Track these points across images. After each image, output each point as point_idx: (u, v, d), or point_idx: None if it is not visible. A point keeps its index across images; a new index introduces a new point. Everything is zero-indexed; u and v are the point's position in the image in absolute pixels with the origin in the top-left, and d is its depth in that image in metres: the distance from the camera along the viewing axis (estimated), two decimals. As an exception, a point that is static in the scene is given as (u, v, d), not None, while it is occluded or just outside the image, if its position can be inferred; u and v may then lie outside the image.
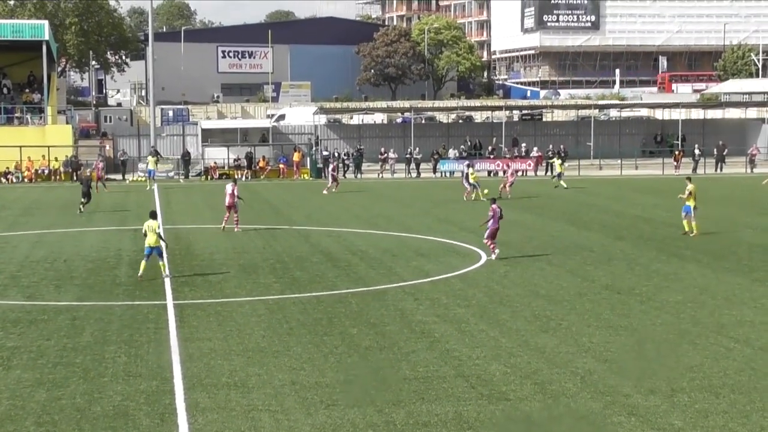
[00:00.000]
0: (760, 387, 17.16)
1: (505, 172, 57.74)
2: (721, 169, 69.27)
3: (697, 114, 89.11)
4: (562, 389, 17.19)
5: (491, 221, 31.08)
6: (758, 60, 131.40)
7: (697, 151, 69.31)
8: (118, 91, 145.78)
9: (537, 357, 19.27)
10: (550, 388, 17.18)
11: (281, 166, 67.99)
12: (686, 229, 35.95)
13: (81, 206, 44.59)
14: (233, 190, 38.31)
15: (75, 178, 62.49)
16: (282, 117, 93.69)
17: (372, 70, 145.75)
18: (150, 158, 63.10)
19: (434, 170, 69.05)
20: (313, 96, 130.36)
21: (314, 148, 69.91)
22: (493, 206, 31.29)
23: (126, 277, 28.09)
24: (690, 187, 35.82)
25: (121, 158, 68.19)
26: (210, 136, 72.34)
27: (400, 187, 59.91)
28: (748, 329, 21.52)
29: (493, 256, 30.90)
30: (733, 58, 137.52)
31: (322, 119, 79.20)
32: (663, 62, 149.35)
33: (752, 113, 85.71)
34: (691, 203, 35.82)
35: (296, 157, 68.19)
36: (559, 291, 26.06)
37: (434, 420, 15.58)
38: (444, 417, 15.72)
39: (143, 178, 63.66)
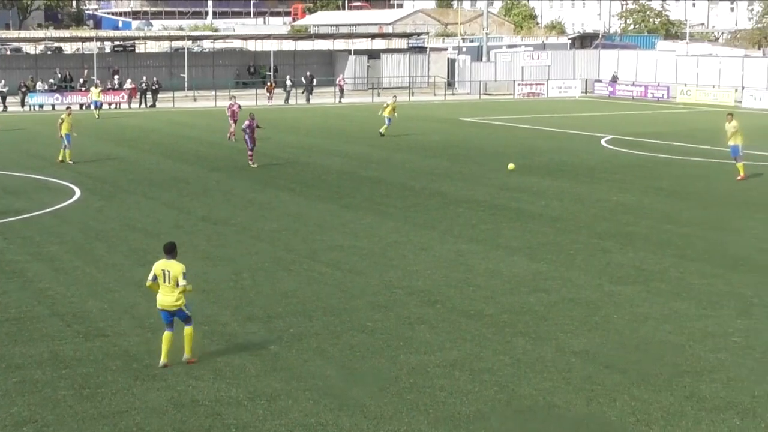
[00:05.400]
0: (349, 308, 18.12)
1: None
2: (308, 100, 71.39)
3: (288, 45, 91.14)
4: (160, 323, 17.15)
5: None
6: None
7: (288, 82, 71.00)
8: None
9: (134, 291, 19.14)
10: (149, 321, 17.16)
11: None
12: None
13: None
14: None
15: None
16: None
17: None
18: None
19: (22, 104, 65.84)
20: None
21: None
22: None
23: None
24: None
25: None
26: None
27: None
28: (339, 253, 22.58)
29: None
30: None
31: None
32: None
33: (340, 44, 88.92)
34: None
35: None
36: (156, 224, 25.96)
37: (28, 362, 15.12)
38: (39, 358, 15.32)
39: None
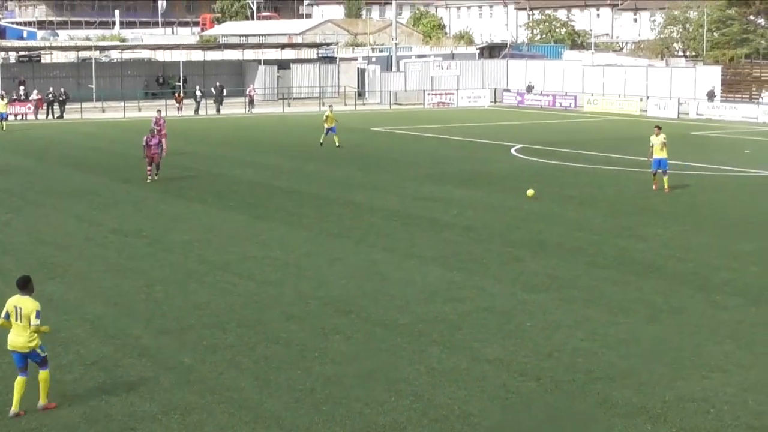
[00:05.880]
0: (264, 319, 18.02)
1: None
2: (218, 111, 70.85)
3: (197, 56, 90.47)
4: (72, 336, 16.94)
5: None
6: (253, 3, 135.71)
7: (198, 93, 70.44)
8: None
9: (44, 305, 18.70)
10: (60, 336, 16.84)
11: None
12: None
13: None
14: None
15: None
16: None
17: None
18: None
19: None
20: None
21: None
22: None
23: None
24: None
25: None
26: None
27: None
28: (252, 264, 22.45)
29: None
30: (230, 1, 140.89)
31: None
32: (163, 4, 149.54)
33: (249, 55, 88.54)
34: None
35: None
36: (66, 237, 25.53)
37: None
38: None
39: None
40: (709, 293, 19.84)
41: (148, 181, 34.46)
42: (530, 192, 31.18)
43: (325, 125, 46.68)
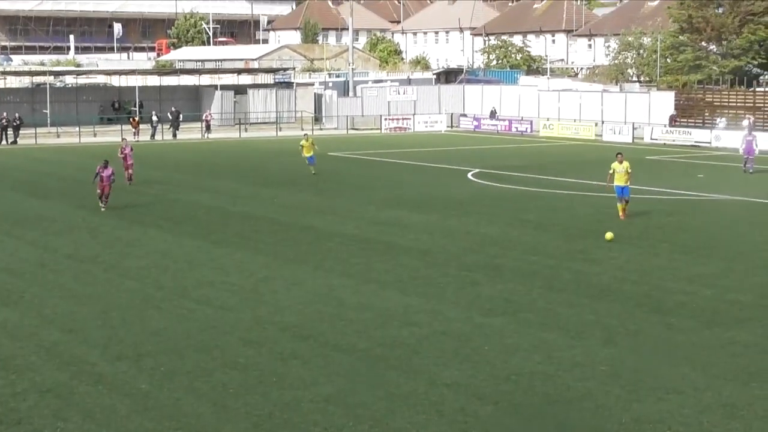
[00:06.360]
0: (221, 344, 17.95)
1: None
2: (175, 136, 70.59)
3: (153, 81, 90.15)
4: (27, 363, 16.78)
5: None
6: (209, 29, 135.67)
7: (154, 118, 70.17)
8: None
9: (-2, 333, 18.59)
10: (14, 363, 16.68)
11: None
12: None
13: None
14: None
15: None
16: None
17: None
18: None
19: None
20: None
21: None
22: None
23: None
24: None
25: None
26: None
27: None
28: (209, 290, 22.36)
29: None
30: (186, 26, 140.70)
31: None
32: (118, 29, 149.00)
33: (206, 80, 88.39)
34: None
35: None
36: (20, 263, 25.30)
37: None
38: None
39: None
40: (664, 316, 20.02)
41: (102, 210, 33.90)
42: (609, 235, 28.19)
43: (304, 155, 45.59)
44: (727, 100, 70.32)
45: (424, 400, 15.03)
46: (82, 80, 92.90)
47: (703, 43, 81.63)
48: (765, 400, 15.08)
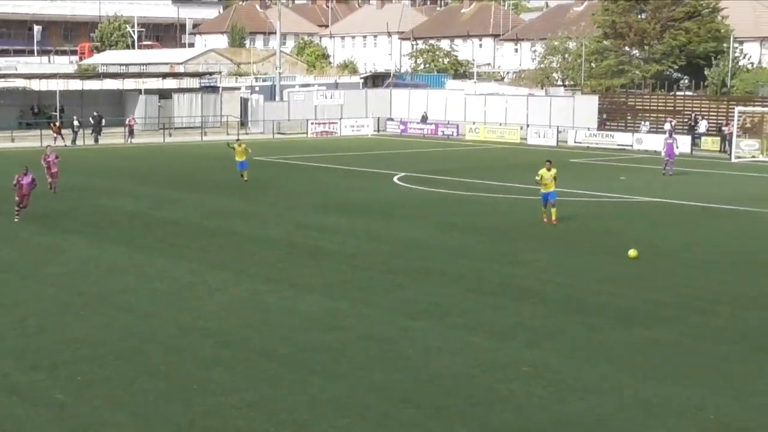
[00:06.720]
0: (143, 352, 17.65)
1: None
2: (96, 141, 69.53)
3: (75, 85, 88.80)
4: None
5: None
6: (134, 32, 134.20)
7: (75, 123, 69.09)
8: None
9: None
10: (-74, 374, 16.23)
11: None
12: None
13: None
14: None
15: None
16: None
17: None
18: None
19: None
20: None
21: None
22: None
23: None
24: None
25: None
26: None
27: None
28: (131, 296, 22.01)
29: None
30: (110, 29, 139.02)
31: None
32: (38, 32, 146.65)
33: (130, 84, 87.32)
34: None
35: None
36: (-65, 271, 24.67)
37: None
38: None
39: None
40: (586, 316, 20.18)
41: (16, 220, 32.47)
42: (633, 253, 26.68)
43: (236, 159, 44.60)
44: (648, 103, 71.51)
45: (349, 405, 14.93)
46: (0, 84, 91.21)
47: (626, 48, 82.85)
48: (680, 397, 15.30)
